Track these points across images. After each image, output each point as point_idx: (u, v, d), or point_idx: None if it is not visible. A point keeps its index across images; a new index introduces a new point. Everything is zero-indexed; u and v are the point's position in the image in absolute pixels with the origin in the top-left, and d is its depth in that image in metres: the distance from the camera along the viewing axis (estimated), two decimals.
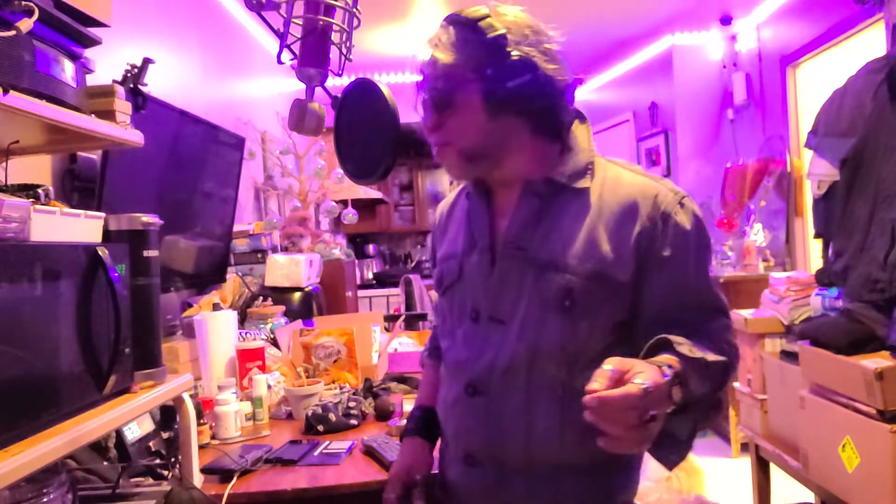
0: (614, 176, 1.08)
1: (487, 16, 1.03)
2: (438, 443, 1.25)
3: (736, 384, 3.00)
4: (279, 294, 2.88)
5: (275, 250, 3.22)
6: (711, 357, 0.95)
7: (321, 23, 1.28)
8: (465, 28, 1.04)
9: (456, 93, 1.05)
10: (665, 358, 0.91)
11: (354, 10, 1.32)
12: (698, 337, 0.98)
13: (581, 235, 1.04)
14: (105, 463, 1.35)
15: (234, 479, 1.42)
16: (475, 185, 1.17)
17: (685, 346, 0.94)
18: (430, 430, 1.24)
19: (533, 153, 1.08)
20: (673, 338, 0.95)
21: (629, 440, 0.81)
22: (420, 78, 1.10)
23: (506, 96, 1.01)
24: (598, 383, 0.81)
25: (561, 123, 1.09)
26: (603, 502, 1.08)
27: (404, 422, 1.69)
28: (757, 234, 4.18)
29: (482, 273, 1.10)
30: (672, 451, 0.97)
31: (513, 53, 1.01)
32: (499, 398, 1.06)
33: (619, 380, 0.81)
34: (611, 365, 0.83)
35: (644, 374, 0.82)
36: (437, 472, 1.23)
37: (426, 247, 7.49)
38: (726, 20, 4.63)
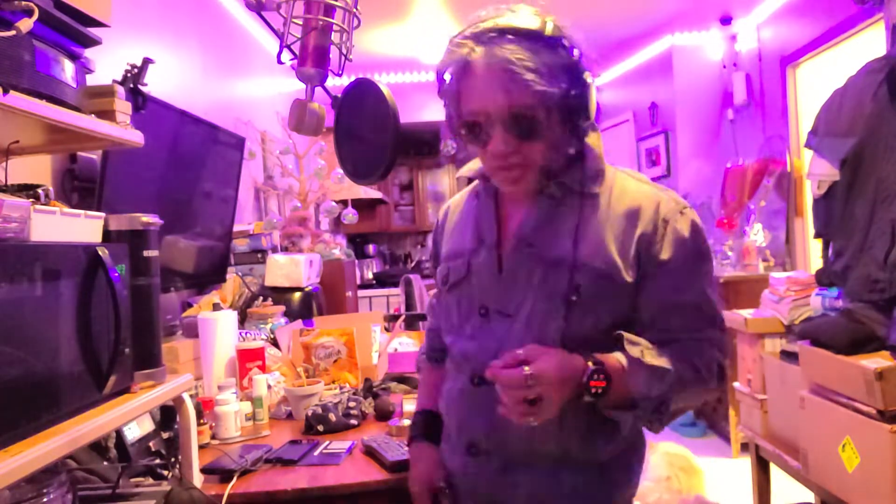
0: (621, 184, 1.11)
1: (562, 34, 1.02)
2: None
3: (736, 384, 3.00)
4: (279, 294, 2.88)
5: (275, 250, 3.22)
6: (655, 362, 1.00)
7: (321, 23, 1.28)
8: (546, 47, 1.00)
9: (538, 116, 1.02)
10: (612, 355, 1.00)
11: (354, 10, 1.32)
12: (678, 346, 1.03)
13: (590, 236, 1.06)
14: (105, 463, 1.35)
15: (234, 479, 1.42)
16: (486, 185, 1.18)
17: (637, 347, 1.01)
18: (434, 432, 1.26)
19: (559, 157, 1.10)
20: (628, 336, 1.02)
21: (514, 413, 0.95)
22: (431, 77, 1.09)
23: (578, 115, 1.04)
24: (500, 360, 0.95)
25: (584, 125, 1.10)
26: (602, 497, 1.10)
27: (405, 422, 1.70)
28: (757, 234, 4.18)
29: (490, 270, 1.13)
30: (612, 440, 1.06)
31: (584, 69, 1.03)
32: None
33: (522, 361, 0.94)
34: (524, 350, 0.96)
35: (539, 364, 0.93)
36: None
37: (426, 247, 7.49)
38: (726, 20, 4.63)
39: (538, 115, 1.02)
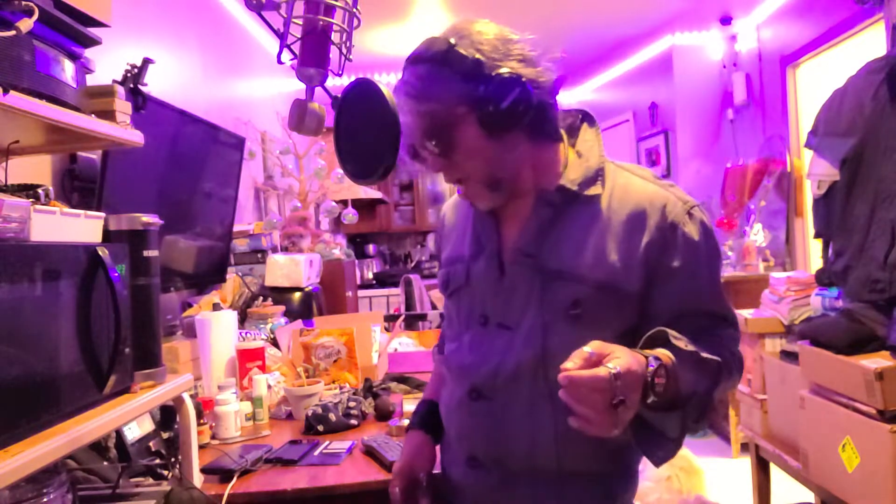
0: (624, 183, 1.07)
1: (452, 45, 1.00)
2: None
3: None
4: (279, 294, 2.88)
5: (275, 250, 3.22)
6: (706, 354, 0.95)
7: (321, 23, 1.28)
8: (436, 65, 1.01)
9: (452, 132, 1.02)
10: (658, 350, 0.91)
11: (354, 10, 1.32)
12: (703, 340, 0.97)
13: (590, 245, 1.03)
14: (105, 463, 1.35)
15: (234, 479, 1.42)
16: None
17: (682, 340, 0.94)
18: (434, 424, 1.24)
19: (537, 160, 1.07)
20: (670, 332, 0.94)
21: (597, 422, 0.81)
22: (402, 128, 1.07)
23: (501, 117, 1.00)
24: (572, 363, 0.82)
25: (556, 124, 1.08)
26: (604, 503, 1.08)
27: (405, 422, 1.70)
28: (757, 234, 4.18)
29: (490, 279, 1.10)
30: (660, 448, 0.96)
31: (494, 74, 0.98)
32: (502, 404, 1.06)
33: (595, 362, 0.82)
34: (591, 348, 0.84)
35: (619, 359, 0.82)
36: (439, 470, 1.23)
37: (426, 247, 7.48)
38: (726, 20, 4.63)
39: (443, 129, 1.02)
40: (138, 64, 1.30)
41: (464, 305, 1.15)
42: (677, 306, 1.02)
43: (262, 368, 2.04)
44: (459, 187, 1.10)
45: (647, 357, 0.88)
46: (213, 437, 1.74)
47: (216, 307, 2.14)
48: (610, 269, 1.01)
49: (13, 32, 0.88)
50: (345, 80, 1.41)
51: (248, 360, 2.04)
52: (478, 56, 0.99)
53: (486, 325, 1.09)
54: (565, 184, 1.06)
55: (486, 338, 1.09)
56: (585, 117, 1.13)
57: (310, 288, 3.04)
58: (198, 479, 1.31)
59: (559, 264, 1.04)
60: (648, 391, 0.86)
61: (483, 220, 1.14)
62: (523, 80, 0.99)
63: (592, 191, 1.06)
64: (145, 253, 1.21)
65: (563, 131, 1.10)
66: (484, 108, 0.99)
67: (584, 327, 0.99)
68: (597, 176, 1.07)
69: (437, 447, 1.25)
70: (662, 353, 0.91)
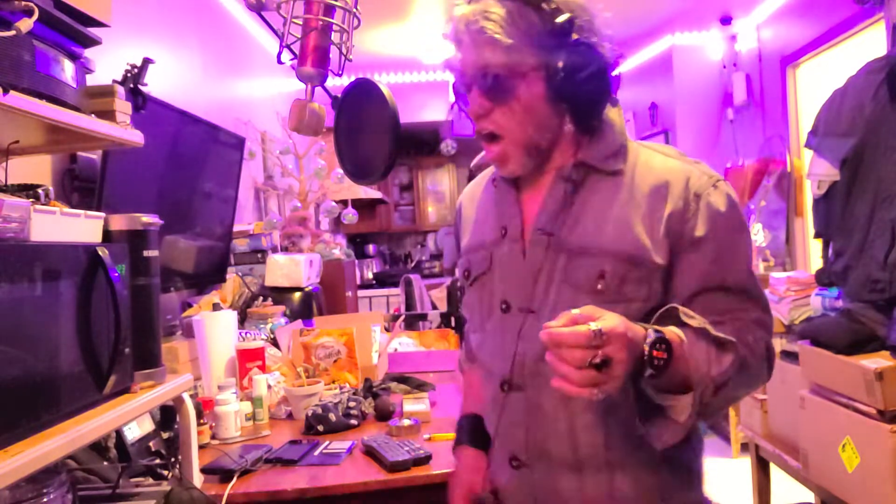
0: (646, 159, 1.03)
1: None
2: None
3: None
4: (279, 294, 2.88)
5: (275, 250, 3.22)
6: (719, 333, 0.90)
7: (321, 23, 1.28)
8: (527, 7, 0.95)
9: (517, 80, 0.97)
10: (666, 328, 0.87)
11: (354, 10, 1.32)
12: (726, 322, 0.93)
13: (613, 218, 0.99)
14: (105, 463, 1.35)
15: (234, 479, 1.42)
16: None
17: (695, 319, 0.89)
18: (479, 437, 1.16)
19: (571, 139, 1.03)
20: (683, 309, 0.90)
21: (575, 380, 0.78)
22: (453, 52, 1.01)
23: (571, 86, 0.95)
24: (557, 321, 0.80)
25: (603, 106, 1.03)
26: (661, 502, 1.01)
27: (405, 422, 1.70)
28: (757, 234, 4.18)
29: (514, 262, 1.05)
30: (665, 430, 0.91)
31: (581, 38, 0.94)
32: (536, 392, 1.01)
33: (580, 323, 0.79)
34: (580, 310, 0.80)
35: (605, 320, 0.79)
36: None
37: (426, 247, 7.49)
38: (726, 20, 4.63)
39: (510, 75, 0.96)
40: (138, 64, 1.30)
41: (486, 293, 1.09)
42: (701, 281, 0.97)
43: (262, 368, 2.04)
44: (489, 144, 1.03)
45: (646, 328, 0.84)
46: (213, 437, 1.74)
47: (216, 307, 2.14)
48: (634, 241, 0.97)
49: (13, 32, 0.88)
50: (345, 80, 1.41)
51: (248, 360, 2.04)
52: (570, 15, 0.94)
53: (508, 312, 1.05)
54: (586, 158, 1.02)
55: (510, 324, 1.04)
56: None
57: (310, 288, 3.04)
58: (198, 479, 1.31)
59: (581, 240, 0.99)
60: (645, 364, 0.82)
61: (506, 204, 1.09)
62: (598, 54, 0.95)
63: (614, 166, 1.02)
64: (145, 253, 1.21)
65: None
66: (558, 70, 0.95)
67: (610, 304, 0.90)
68: (618, 151, 1.03)
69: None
70: (670, 330, 0.87)
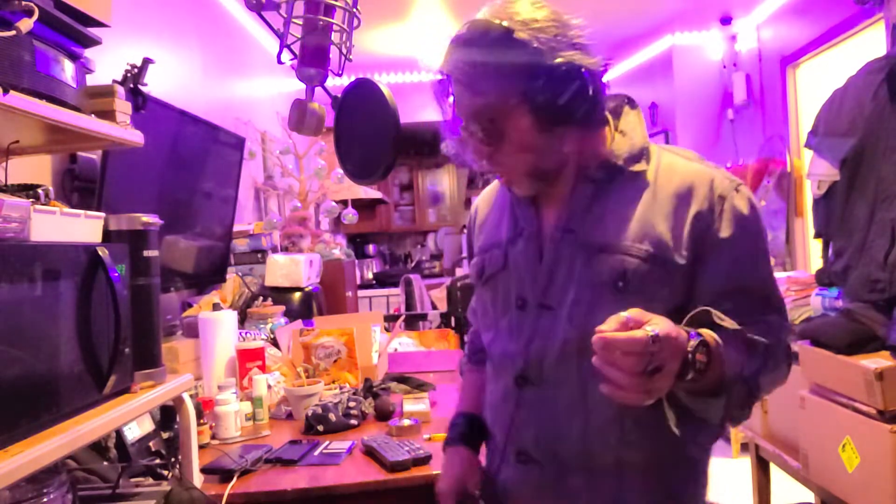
0: (669, 162, 1.04)
1: (510, 32, 0.94)
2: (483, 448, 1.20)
3: None
4: (279, 294, 2.88)
5: (275, 250, 3.22)
6: (753, 335, 0.91)
7: (321, 23, 1.28)
8: (492, 54, 0.96)
9: (503, 123, 0.98)
10: (701, 330, 0.86)
11: (354, 10, 1.32)
12: (749, 324, 0.93)
13: (636, 217, 0.99)
14: (105, 463, 1.35)
15: (234, 479, 1.42)
16: None
17: (727, 321, 0.88)
18: (473, 437, 1.18)
19: (583, 146, 1.03)
20: (714, 311, 0.89)
21: (628, 388, 0.76)
22: (445, 112, 1.04)
23: (557, 111, 0.95)
24: (607, 325, 0.77)
25: (604, 109, 1.04)
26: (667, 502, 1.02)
27: (405, 422, 1.70)
28: None
29: (529, 260, 1.06)
30: (700, 433, 0.93)
31: (553, 64, 0.94)
32: (552, 388, 1.01)
33: (632, 328, 0.77)
34: (629, 313, 0.78)
35: (659, 325, 0.77)
36: (484, 479, 1.16)
37: (426, 247, 7.49)
38: (726, 20, 4.63)
39: (493, 119, 0.98)
40: (138, 64, 1.30)
41: (500, 291, 1.10)
42: (724, 283, 0.97)
43: (262, 368, 2.04)
44: (499, 175, 1.07)
45: (688, 331, 0.83)
46: (213, 437, 1.74)
47: (216, 307, 2.14)
48: (657, 239, 0.97)
49: (13, 32, 0.88)
50: (345, 80, 1.41)
51: (248, 360, 2.04)
52: (537, 45, 0.94)
53: (525, 309, 1.05)
54: (610, 158, 1.03)
55: (527, 321, 1.04)
56: (627, 100, 1.10)
57: (310, 288, 3.04)
58: (198, 479, 1.31)
59: (603, 238, 1.00)
60: (688, 367, 0.81)
61: (522, 203, 1.10)
62: (581, 70, 0.95)
63: (637, 167, 1.03)
64: (145, 253, 1.21)
65: (607, 114, 1.07)
66: (540, 101, 0.95)
67: (631, 302, 0.87)
68: (641, 153, 1.04)
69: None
70: (706, 332, 0.86)
